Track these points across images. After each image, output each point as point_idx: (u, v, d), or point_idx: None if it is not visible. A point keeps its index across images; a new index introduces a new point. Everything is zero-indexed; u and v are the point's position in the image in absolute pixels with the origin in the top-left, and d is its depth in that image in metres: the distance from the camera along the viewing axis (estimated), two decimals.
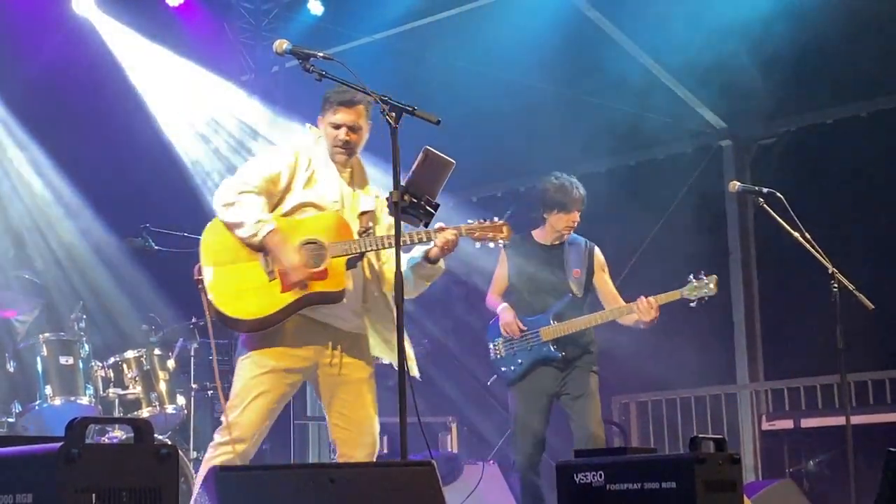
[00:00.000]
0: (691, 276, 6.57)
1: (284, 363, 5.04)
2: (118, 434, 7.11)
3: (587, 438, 6.64)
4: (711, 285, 6.53)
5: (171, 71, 9.73)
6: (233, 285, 5.01)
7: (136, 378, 7.43)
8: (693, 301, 6.56)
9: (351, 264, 5.03)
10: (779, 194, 6.08)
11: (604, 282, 6.94)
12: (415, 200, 4.66)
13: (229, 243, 5.06)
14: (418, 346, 9.41)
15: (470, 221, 5.23)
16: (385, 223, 5.33)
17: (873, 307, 5.99)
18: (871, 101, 9.39)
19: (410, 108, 4.54)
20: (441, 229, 5.06)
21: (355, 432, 5.16)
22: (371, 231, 5.21)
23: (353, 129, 5.20)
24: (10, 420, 7.26)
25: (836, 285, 5.95)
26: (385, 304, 5.22)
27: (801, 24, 8.41)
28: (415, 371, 5.11)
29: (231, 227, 5.04)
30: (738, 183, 6.42)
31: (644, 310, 6.51)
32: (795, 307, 9.23)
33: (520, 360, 6.76)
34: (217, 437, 5.02)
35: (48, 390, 7.22)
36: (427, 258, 5.16)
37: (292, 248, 4.99)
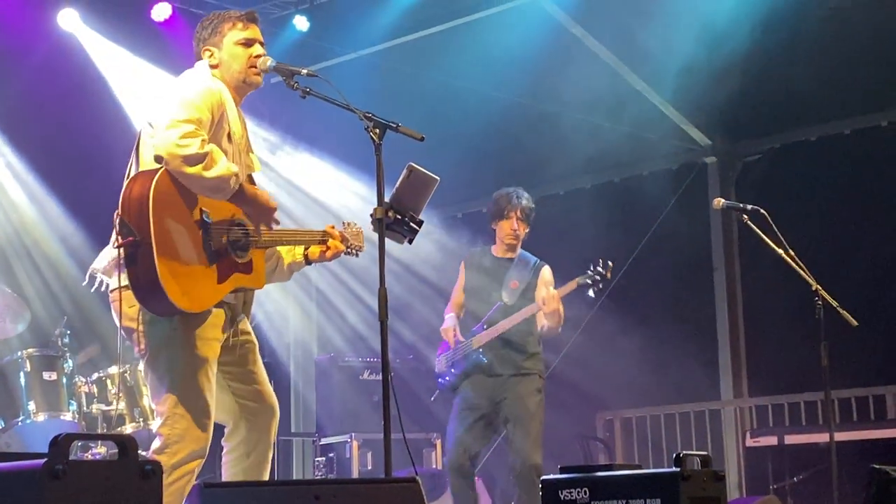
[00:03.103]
0: (590, 265, 6.74)
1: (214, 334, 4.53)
2: (101, 450, 7.08)
3: (521, 467, 6.56)
4: (605, 272, 6.69)
5: (156, 86, 9.71)
6: (177, 266, 4.24)
7: (120, 394, 7.41)
8: (590, 288, 6.71)
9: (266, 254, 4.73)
10: (763, 211, 6.09)
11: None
12: (399, 217, 4.63)
13: (179, 205, 4.30)
14: (402, 362, 9.40)
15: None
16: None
17: (857, 324, 6.01)
18: (855, 118, 9.44)
19: (395, 125, 4.52)
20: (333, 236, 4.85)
21: (261, 397, 4.72)
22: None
23: (262, 45, 4.70)
24: None
25: (819, 302, 5.96)
26: None
27: (786, 43, 8.47)
28: None
29: (206, 187, 4.31)
30: (723, 200, 6.46)
31: (546, 299, 6.60)
32: (779, 324, 9.24)
33: (453, 370, 6.92)
34: (156, 444, 4.35)
35: (32, 406, 7.21)
36: (307, 258, 4.86)
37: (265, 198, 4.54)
